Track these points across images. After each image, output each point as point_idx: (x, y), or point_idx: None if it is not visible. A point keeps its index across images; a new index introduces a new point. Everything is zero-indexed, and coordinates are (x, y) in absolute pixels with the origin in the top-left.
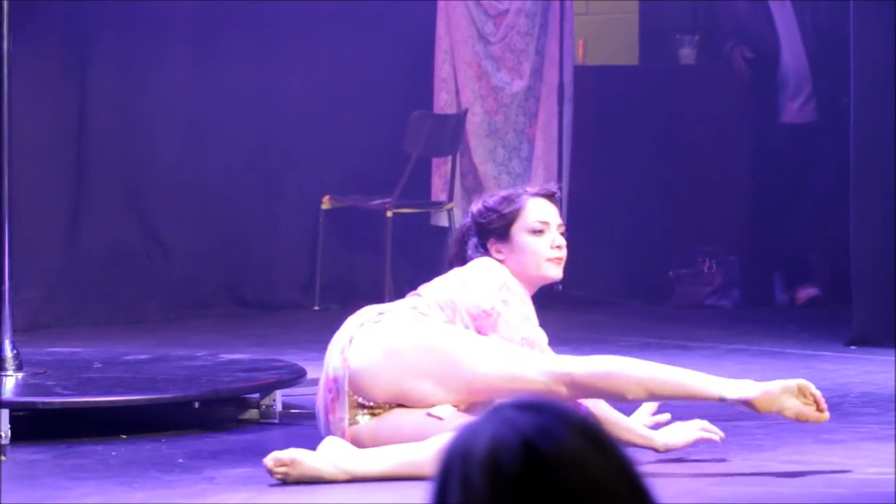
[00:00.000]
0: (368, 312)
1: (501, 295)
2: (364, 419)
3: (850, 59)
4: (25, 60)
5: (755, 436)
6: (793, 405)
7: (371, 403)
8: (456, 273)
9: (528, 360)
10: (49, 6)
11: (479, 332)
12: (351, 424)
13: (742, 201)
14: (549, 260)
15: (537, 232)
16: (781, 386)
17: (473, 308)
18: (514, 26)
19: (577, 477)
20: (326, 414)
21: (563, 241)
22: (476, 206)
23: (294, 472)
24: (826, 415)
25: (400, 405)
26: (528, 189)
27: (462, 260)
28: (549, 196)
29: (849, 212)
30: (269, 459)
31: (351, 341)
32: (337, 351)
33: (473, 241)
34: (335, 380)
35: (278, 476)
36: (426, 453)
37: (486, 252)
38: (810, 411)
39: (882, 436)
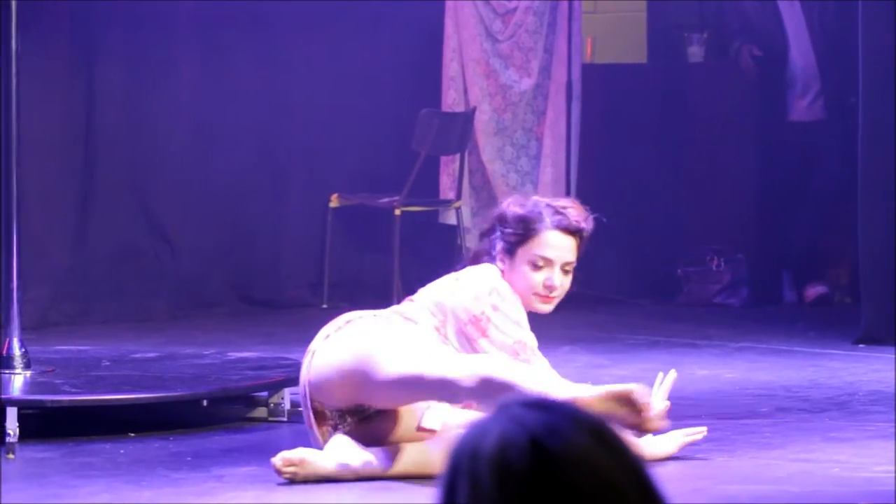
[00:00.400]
0: (337, 322)
1: (491, 300)
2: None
3: (858, 57)
4: (33, 60)
5: (763, 434)
6: (619, 416)
7: (334, 412)
8: (451, 277)
9: (449, 361)
10: (56, 6)
11: (469, 337)
12: (331, 433)
13: (750, 199)
14: (536, 294)
15: (537, 266)
16: (596, 394)
17: (463, 313)
18: (523, 24)
19: (586, 475)
20: (310, 427)
21: (559, 283)
22: (503, 208)
23: (302, 471)
24: (656, 424)
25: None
26: (557, 211)
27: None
28: (574, 231)
29: (856, 210)
30: (278, 459)
31: (313, 354)
32: (304, 363)
33: (491, 237)
34: (302, 393)
35: (286, 475)
36: (434, 452)
37: (493, 257)
38: (634, 421)
39: (890, 434)
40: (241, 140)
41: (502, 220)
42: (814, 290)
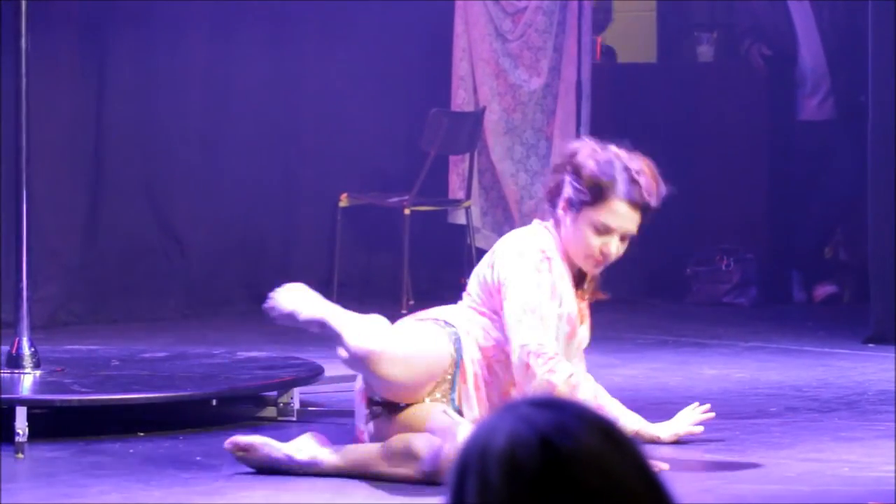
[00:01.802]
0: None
1: (536, 264)
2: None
3: (868, 56)
4: (43, 59)
5: (773, 434)
6: None
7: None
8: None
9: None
10: (67, 5)
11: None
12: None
13: (760, 199)
14: (588, 257)
15: (598, 231)
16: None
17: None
18: (532, 24)
19: (596, 475)
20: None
21: (615, 252)
22: (578, 156)
23: (251, 457)
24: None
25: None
26: (632, 179)
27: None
28: (641, 206)
29: (866, 209)
30: (228, 443)
31: None
32: None
33: (560, 179)
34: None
35: (239, 459)
36: (378, 453)
37: (554, 208)
38: None
39: None
40: (251, 140)
41: (576, 170)
42: (823, 290)
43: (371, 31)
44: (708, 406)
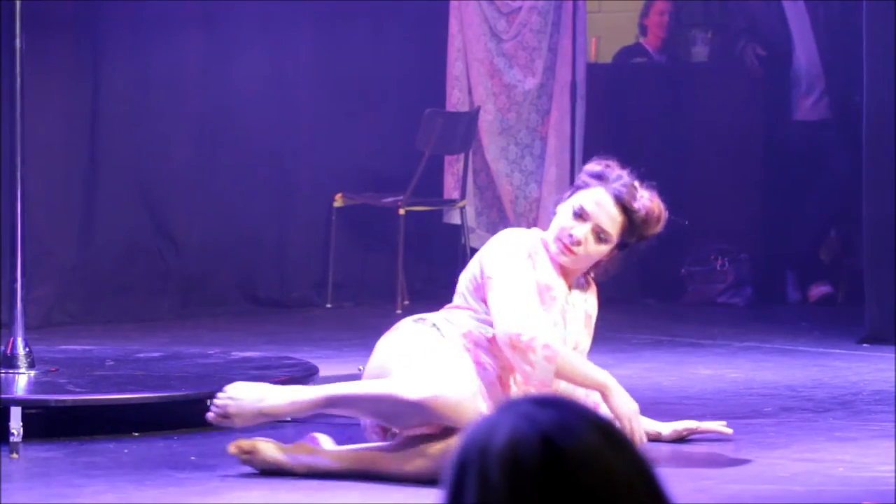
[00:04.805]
0: (401, 322)
1: (520, 258)
2: None
3: (863, 56)
4: (38, 58)
5: (768, 434)
6: None
7: None
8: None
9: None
10: (61, 5)
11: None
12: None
13: (754, 199)
14: (558, 240)
15: (576, 214)
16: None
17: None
18: (527, 24)
19: (596, 474)
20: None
21: (581, 237)
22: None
23: (256, 459)
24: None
25: None
26: (627, 185)
27: None
28: (624, 208)
29: (861, 209)
30: (232, 446)
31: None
32: None
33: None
34: None
35: (243, 462)
36: (387, 450)
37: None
38: None
39: (894, 433)
40: (246, 139)
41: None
42: (818, 290)
43: (366, 31)
44: (725, 423)
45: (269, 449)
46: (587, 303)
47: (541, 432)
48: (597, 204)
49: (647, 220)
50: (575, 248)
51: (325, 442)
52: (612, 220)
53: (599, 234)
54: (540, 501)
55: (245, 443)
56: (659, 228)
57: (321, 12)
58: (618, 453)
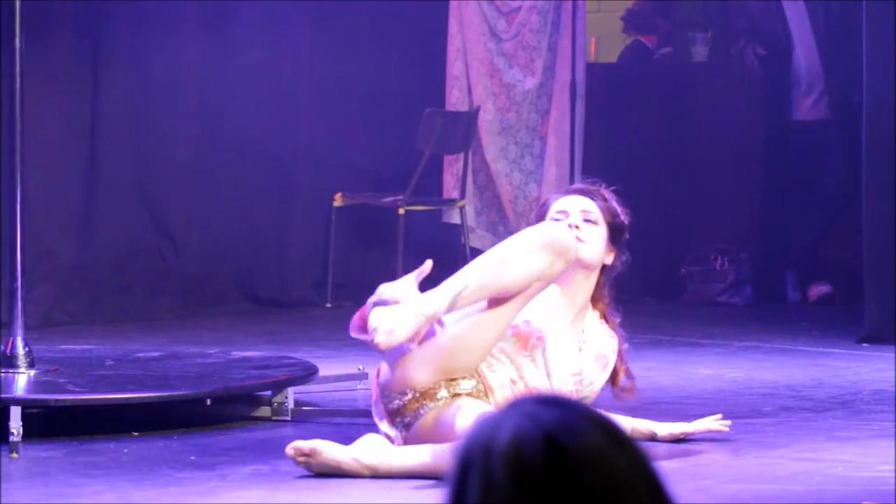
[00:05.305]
0: None
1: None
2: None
3: (863, 56)
4: (38, 59)
5: (767, 433)
6: None
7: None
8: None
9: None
10: (61, 5)
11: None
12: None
13: (754, 198)
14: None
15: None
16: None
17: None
18: (527, 24)
19: (599, 473)
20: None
21: (576, 224)
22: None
23: (314, 461)
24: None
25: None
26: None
27: None
28: (579, 191)
29: (861, 209)
30: (290, 448)
31: None
32: None
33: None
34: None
35: (301, 465)
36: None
37: None
38: None
39: (894, 433)
40: (246, 139)
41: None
42: (818, 290)
43: (366, 31)
44: (720, 416)
45: (329, 450)
46: (603, 346)
47: (544, 432)
48: (564, 202)
49: (611, 196)
50: (579, 235)
51: (384, 443)
52: (584, 203)
53: (587, 217)
54: (543, 501)
55: (304, 445)
56: (626, 214)
57: (321, 12)
58: (621, 452)
